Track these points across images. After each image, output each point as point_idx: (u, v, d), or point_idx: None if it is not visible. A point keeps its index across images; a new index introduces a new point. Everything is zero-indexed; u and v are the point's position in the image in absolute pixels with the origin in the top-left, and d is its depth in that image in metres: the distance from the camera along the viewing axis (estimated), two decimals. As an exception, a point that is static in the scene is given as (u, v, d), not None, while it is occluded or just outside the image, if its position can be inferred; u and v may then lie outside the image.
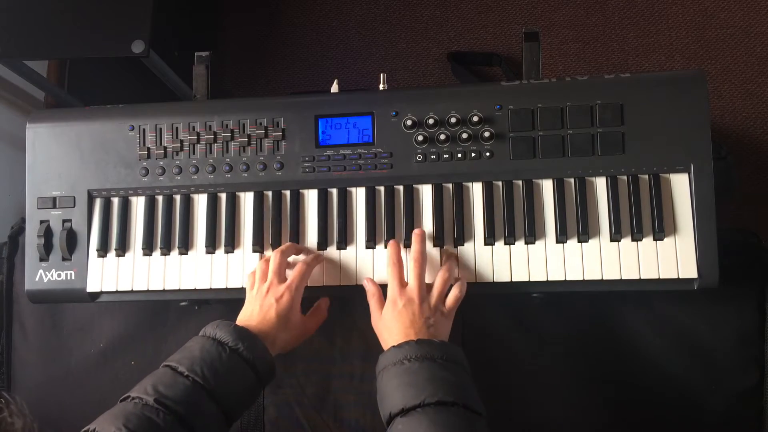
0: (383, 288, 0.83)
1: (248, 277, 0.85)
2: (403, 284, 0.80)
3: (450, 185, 0.86)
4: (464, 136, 0.85)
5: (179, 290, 0.89)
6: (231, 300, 0.88)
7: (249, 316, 0.80)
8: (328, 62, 1.73)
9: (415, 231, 0.84)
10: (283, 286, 0.81)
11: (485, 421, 0.68)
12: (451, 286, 0.82)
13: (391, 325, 0.77)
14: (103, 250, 0.90)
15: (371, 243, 0.86)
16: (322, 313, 0.87)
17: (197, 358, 0.71)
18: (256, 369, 0.74)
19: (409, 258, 0.82)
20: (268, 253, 0.88)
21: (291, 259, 0.86)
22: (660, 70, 1.55)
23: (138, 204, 0.91)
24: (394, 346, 0.73)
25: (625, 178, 0.84)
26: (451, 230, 0.85)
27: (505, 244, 0.84)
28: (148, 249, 0.89)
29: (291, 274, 0.83)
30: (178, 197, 0.91)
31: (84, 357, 0.98)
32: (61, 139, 0.91)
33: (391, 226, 0.86)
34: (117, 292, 0.89)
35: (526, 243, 0.84)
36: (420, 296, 0.78)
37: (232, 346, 0.73)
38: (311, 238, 0.87)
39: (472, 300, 0.91)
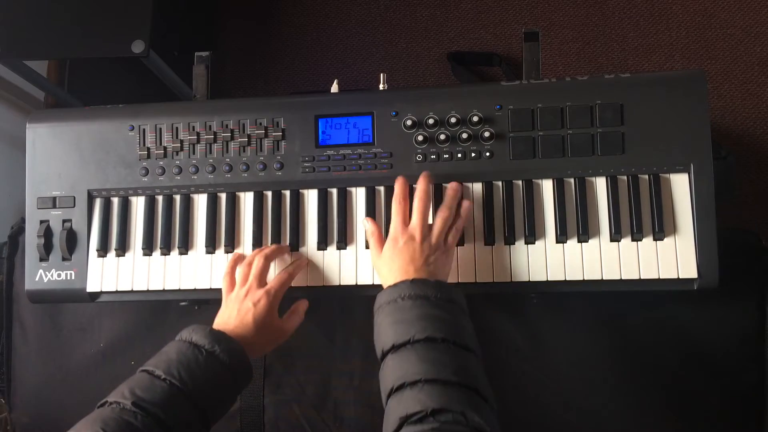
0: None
1: (224, 278, 0.85)
2: (406, 222, 0.80)
3: (450, 185, 0.86)
4: (464, 136, 0.85)
5: (179, 290, 0.89)
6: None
7: (226, 319, 0.80)
8: (328, 62, 1.73)
9: (424, 172, 0.84)
10: (261, 290, 0.81)
11: (477, 358, 0.68)
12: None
13: (391, 262, 0.77)
14: (103, 250, 0.90)
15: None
16: (300, 315, 0.87)
17: (174, 361, 0.71)
18: (233, 371, 0.74)
19: (415, 196, 0.82)
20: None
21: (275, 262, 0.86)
22: (660, 70, 1.55)
23: (138, 204, 0.91)
24: (390, 286, 0.73)
25: (625, 178, 0.84)
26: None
27: (505, 244, 0.84)
28: (148, 249, 0.89)
29: (271, 280, 0.83)
30: (178, 197, 0.91)
31: (84, 357, 0.98)
32: (61, 139, 0.91)
33: (391, 226, 0.86)
34: (117, 292, 0.89)
35: (526, 243, 0.84)
36: (422, 234, 0.78)
37: (208, 348, 0.73)
38: (311, 238, 0.87)
39: (472, 300, 0.91)
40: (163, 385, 0.69)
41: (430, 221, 0.82)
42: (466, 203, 0.83)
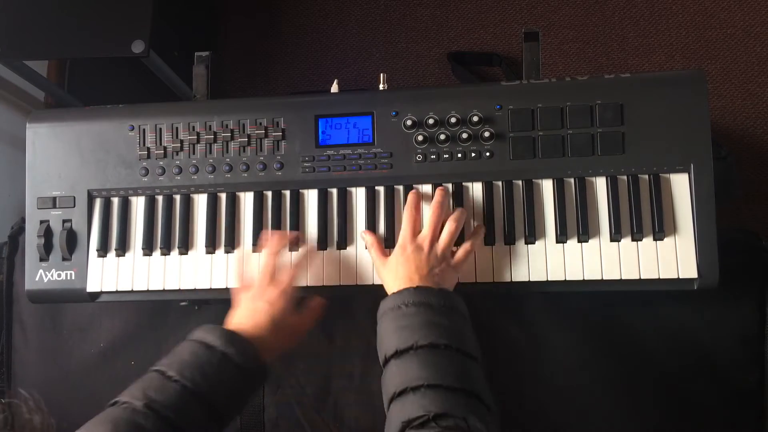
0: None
1: (237, 278, 0.85)
2: (415, 232, 0.81)
3: (450, 185, 0.86)
4: (464, 136, 0.85)
5: (179, 290, 0.89)
6: (231, 300, 0.88)
7: (240, 319, 0.79)
8: (328, 62, 1.73)
9: (439, 188, 0.84)
10: (275, 289, 0.80)
11: (479, 365, 0.69)
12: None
13: (397, 270, 0.78)
14: (103, 250, 0.90)
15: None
16: (316, 312, 0.86)
17: (187, 363, 0.70)
18: (247, 373, 0.72)
19: (430, 206, 0.82)
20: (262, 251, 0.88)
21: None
22: (660, 70, 1.55)
23: (138, 204, 0.91)
24: (394, 293, 0.74)
25: (625, 178, 0.84)
26: (451, 230, 0.85)
27: (505, 244, 0.84)
28: (148, 249, 0.89)
29: (283, 277, 0.82)
30: (178, 197, 0.91)
31: (84, 357, 0.98)
32: (61, 139, 0.91)
33: (390, 226, 0.86)
34: (117, 292, 0.89)
35: (526, 243, 0.84)
36: (431, 244, 0.79)
37: (222, 350, 0.71)
38: (311, 238, 0.87)
39: (472, 300, 0.91)
40: (176, 386, 0.68)
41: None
42: (476, 226, 0.84)
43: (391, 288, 0.77)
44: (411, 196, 0.84)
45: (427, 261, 0.77)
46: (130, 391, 0.68)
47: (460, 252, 0.81)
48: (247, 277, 0.84)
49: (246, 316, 0.79)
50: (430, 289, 0.73)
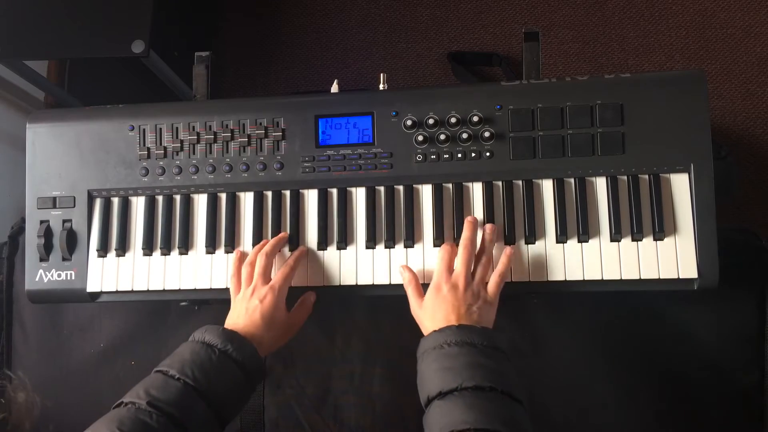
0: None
1: (231, 280, 0.85)
2: (450, 270, 0.80)
3: (450, 185, 0.86)
4: (464, 136, 0.85)
5: (179, 290, 0.89)
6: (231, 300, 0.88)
7: (235, 319, 0.81)
8: (328, 62, 1.73)
9: (468, 218, 0.83)
10: (266, 287, 0.81)
11: (525, 409, 0.68)
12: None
13: (434, 311, 0.77)
14: (103, 250, 0.89)
15: (371, 243, 0.86)
16: (308, 308, 0.87)
17: (188, 361, 0.72)
18: (246, 369, 0.74)
19: (460, 244, 0.81)
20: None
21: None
22: (660, 70, 1.55)
23: (138, 204, 0.91)
24: (435, 331, 0.73)
25: (625, 178, 0.84)
26: (451, 230, 0.85)
27: (505, 244, 0.84)
28: (148, 249, 0.89)
29: (275, 275, 0.83)
30: (178, 197, 0.91)
31: (84, 357, 0.98)
32: (61, 139, 0.91)
33: (391, 226, 0.86)
34: (117, 292, 0.89)
35: (526, 243, 0.84)
36: (465, 282, 0.78)
37: (221, 348, 0.74)
38: (311, 238, 0.87)
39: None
40: (178, 384, 0.70)
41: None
42: (507, 249, 0.82)
43: (428, 329, 0.76)
44: (446, 242, 0.82)
45: (464, 299, 0.76)
46: (134, 392, 0.69)
47: (492, 286, 0.79)
48: (242, 277, 0.85)
49: (240, 315, 0.80)
50: (472, 327, 0.73)
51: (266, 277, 0.83)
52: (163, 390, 0.69)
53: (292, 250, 0.87)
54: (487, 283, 0.80)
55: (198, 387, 0.70)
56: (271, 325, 0.80)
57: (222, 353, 0.73)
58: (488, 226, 0.83)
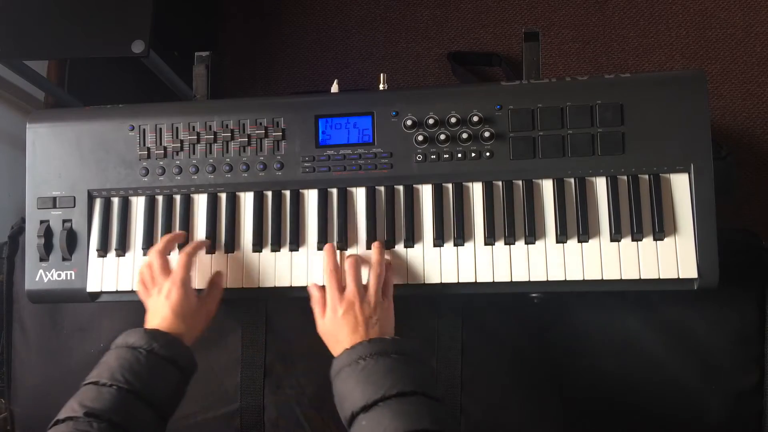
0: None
1: (137, 285, 0.86)
2: (340, 290, 0.80)
3: (450, 185, 0.86)
4: (464, 136, 0.85)
5: (179, 290, 0.89)
6: (231, 300, 0.88)
7: (151, 319, 0.81)
8: (328, 62, 1.73)
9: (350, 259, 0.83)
10: (168, 282, 0.81)
11: (444, 406, 0.69)
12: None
13: (336, 332, 0.78)
14: (103, 250, 0.89)
15: (371, 243, 0.86)
16: (218, 288, 0.87)
17: (116, 367, 0.72)
18: (178, 364, 0.75)
19: (344, 264, 0.82)
20: (266, 251, 0.88)
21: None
22: (660, 70, 1.55)
23: (138, 204, 0.91)
24: (347, 349, 0.73)
25: (625, 178, 0.84)
26: (451, 230, 0.85)
27: (505, 244, 0.84)
28: (148, 249, 0.89)
29: (174, 268, 0.83)
30: (178, 197, 0.91)
31: (84, 357, 0.98)
32: (61, 139, 0.91)
33: (391, 226, 0.86)
34: (117, 292, 0.89)
35: (526, 243, 0.84)
36: (359, 297, 0.78)
37: (146, 347, 0.74)
38: (311, 238, 0.87)
39: (472, 300, 0.91)
40: (111, 390, 0.70)
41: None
42: (376, 243, 0.84)
43: (335, 350, 0.77)
44: (326, 255, 0.83)
45: (362, 314, 0.77)
46: (68, 407, 0.69)
47: (372, 285, 0.80)
48: (145, 281, 0.85)
49: (154, 315, 0.81)
50: (383, 339, 0.74)
51: (166, 272, 0.83)
52: (98, 399, 0.69)
53: (296, 250, 0.87)
54: (376, 290, 0.80)
55: (132, 389, 0.70)
56: (185, 317, 0.80)
57: (149, 353, 0.74)
58: (375, 243, 0.84)
